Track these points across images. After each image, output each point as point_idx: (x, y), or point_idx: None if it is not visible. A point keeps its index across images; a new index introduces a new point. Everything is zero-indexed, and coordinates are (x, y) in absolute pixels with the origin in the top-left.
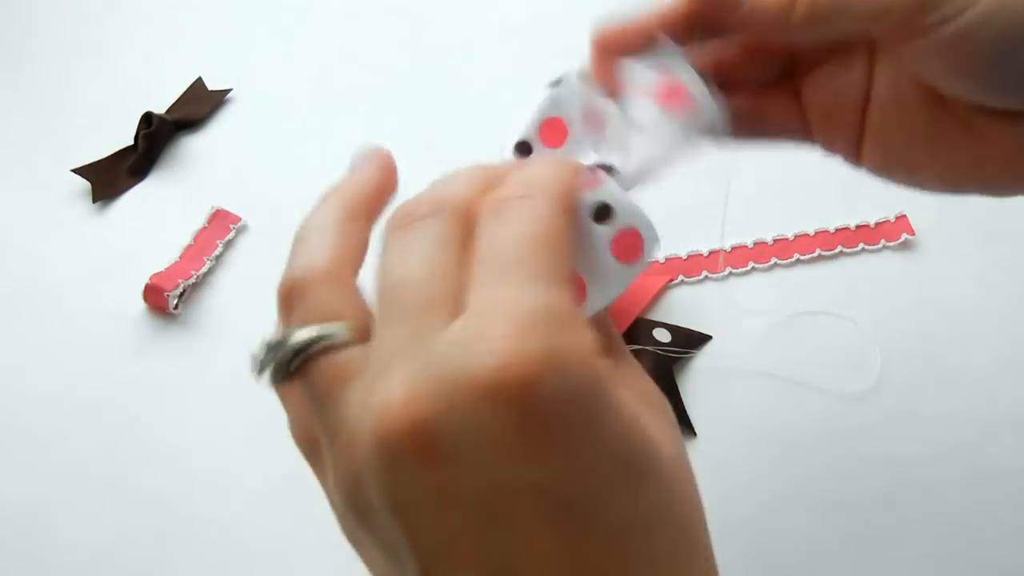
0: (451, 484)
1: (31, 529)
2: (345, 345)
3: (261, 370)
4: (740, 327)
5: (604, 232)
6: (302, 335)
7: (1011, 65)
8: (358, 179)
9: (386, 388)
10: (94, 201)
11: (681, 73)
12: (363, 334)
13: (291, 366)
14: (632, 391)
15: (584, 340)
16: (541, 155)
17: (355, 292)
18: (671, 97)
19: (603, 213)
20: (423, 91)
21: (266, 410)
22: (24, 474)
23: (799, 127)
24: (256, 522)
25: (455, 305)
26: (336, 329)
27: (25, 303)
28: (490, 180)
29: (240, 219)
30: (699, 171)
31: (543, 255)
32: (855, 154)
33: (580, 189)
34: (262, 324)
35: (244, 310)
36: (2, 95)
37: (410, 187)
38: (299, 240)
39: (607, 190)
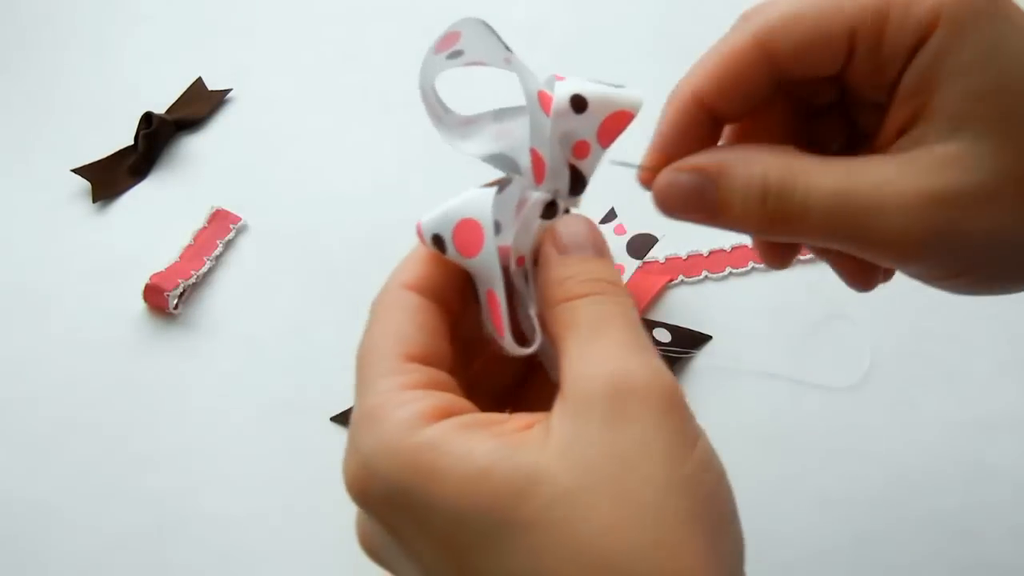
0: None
1: (31, 529)
2: None
3: None
4: (740, 327)
5: (450, 251)
6: None
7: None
8: None
9: None
10: (94, 201)
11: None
12: None
13: None
14: (513, 423)
15: (393, 427)
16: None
17: None
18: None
19: (438, 242)
20: None
21: (266, 410)
22: (24, 474)
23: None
24: (256, 522)
25: None
26: None
27: (25, 303)
28: None
29: (240, 219)
30: None
31: (364, 363)
32: None
33: (418, 263)
34: (262, 324)
35: (244, 310)
36: (2, 95)
37: (409, 187)
38: None
39: (425, 226)
